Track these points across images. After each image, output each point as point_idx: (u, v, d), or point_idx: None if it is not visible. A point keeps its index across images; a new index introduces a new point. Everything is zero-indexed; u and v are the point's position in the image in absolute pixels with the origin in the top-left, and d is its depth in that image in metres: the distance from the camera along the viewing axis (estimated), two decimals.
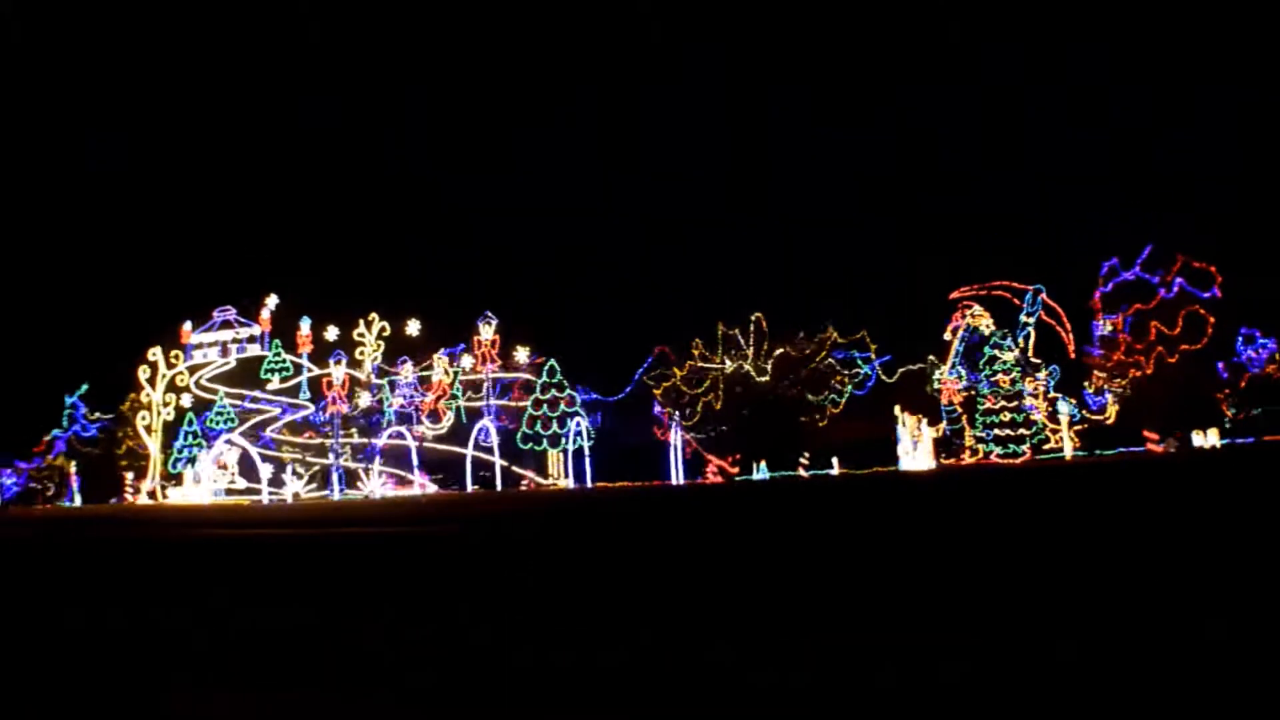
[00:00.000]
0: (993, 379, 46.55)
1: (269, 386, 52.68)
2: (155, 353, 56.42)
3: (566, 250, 64.83)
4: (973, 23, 66.25)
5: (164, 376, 56.09)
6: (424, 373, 48.92)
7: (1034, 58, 65.82)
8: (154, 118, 70.45)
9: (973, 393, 47.29)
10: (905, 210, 71.68)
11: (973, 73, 67.09)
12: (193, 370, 55.32)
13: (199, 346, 55.37)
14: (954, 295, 49.22)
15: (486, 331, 47.99)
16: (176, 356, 55.95)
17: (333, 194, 59.68)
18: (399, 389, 49.08)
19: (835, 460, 47.36)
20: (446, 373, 48.26)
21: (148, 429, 56.39)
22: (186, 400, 54.93)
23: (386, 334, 50.21)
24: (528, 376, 46.98)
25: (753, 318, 49.70)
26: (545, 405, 45.96)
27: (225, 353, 54.36)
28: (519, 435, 46.51)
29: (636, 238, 70.21)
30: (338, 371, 50.28)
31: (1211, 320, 46.01)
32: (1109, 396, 46.74)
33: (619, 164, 70.41)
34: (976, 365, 47.59)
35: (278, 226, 58.45)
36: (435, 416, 48.16)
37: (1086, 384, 47.16)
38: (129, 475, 59.72)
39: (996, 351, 46.65)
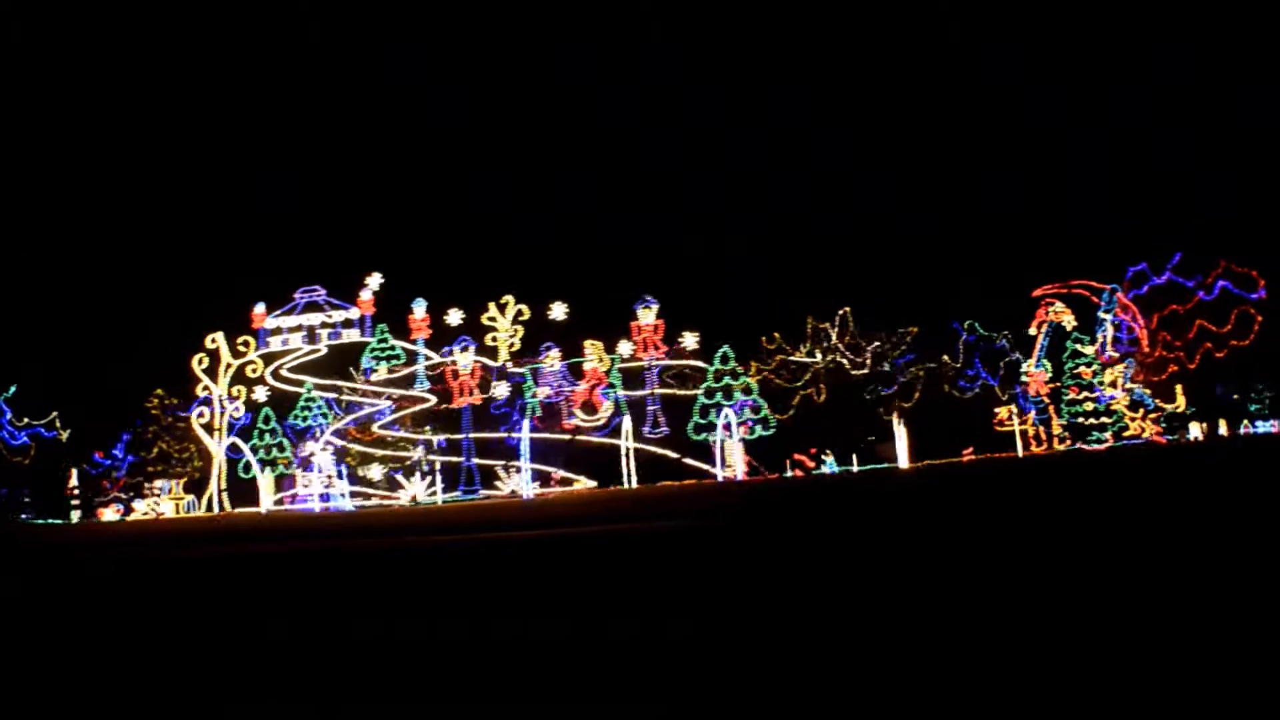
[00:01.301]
0: (1075, 371, 50.27)
1: (374, 377, 47.92)
2: (216, 339, 49.70)
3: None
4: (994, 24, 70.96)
5: (229, 367, 49.59)
6: (574, 360, 46.28)
7: (1035, 58, 71.29)
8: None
9: (1056, 384, 50.79)
10: (916, 209, 75.50)
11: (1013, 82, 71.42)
12: (268, 359, 49.30)
13: (276, 331, 49.34)
14: (1037, 292, 52.27)
15: (647, 316, 46.10)
16: (246, 344, 49.63)
17: (450, 174, 55.63)
18: (543, 378, 46.16)
19: (854, 456, 49.01)
20: (601, 359, 45.93)
21: (208, 427, 49.61)
22: (260, 393, 48.99)
23: (525, 318, 46.97)
24: (700, 364, 45.60)
25: (840, 312, 50.63)
26: (720, 394, 44.96)
27: (313, 338, 48.83)
28: (690, 425, 45.12)
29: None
30: (464, 359, 46.62)
31: (1259, 319, 51.75)
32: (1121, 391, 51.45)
33: None
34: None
35: (382, 207, 53.40)
36: (590, 408, 45.69)
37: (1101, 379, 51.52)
38: (157, 485, 52.42)
39: (1078, 346, 50.39)
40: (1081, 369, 50.05)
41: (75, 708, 5.77)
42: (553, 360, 45.67)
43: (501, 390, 45.79)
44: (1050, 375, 51.05)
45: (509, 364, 46.17)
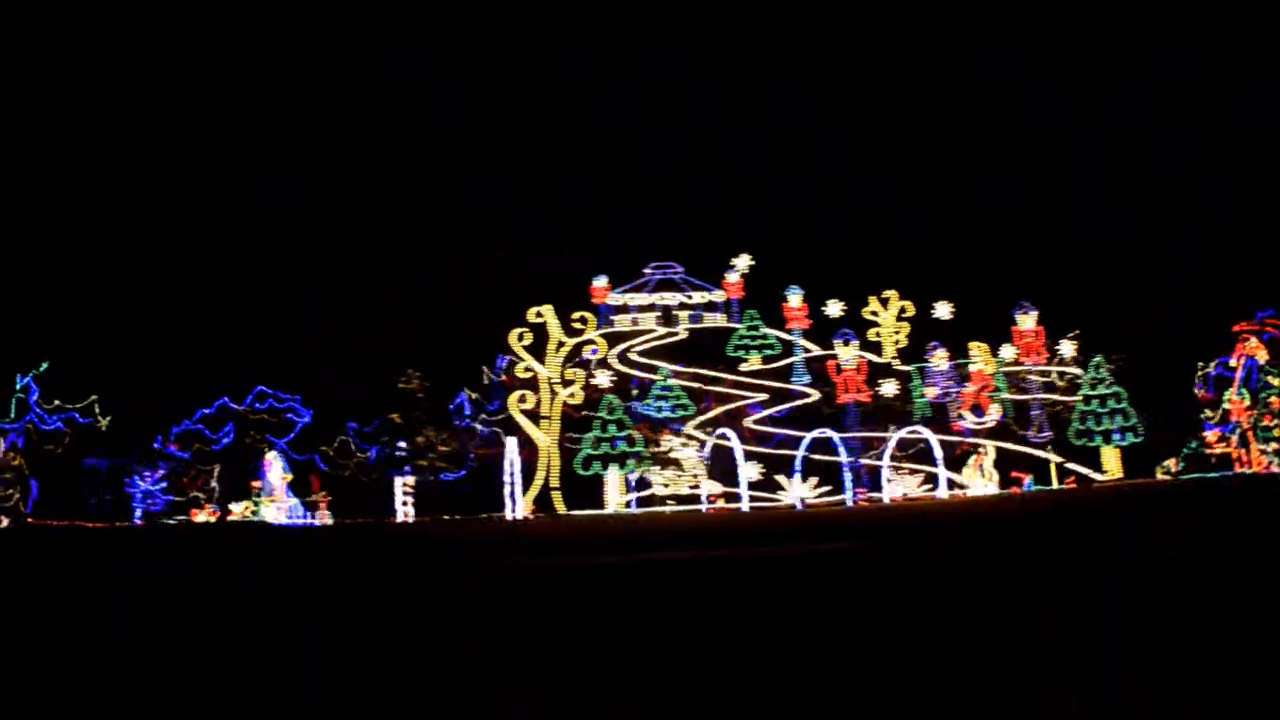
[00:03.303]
0: (1267, 401, 55.19)
1: (743, 367, 43.20)
2: (543, 312, 42.79)
3: None
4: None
5: (560, 345, 42.71)
6: (960, 361, 44.24)
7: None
8: None
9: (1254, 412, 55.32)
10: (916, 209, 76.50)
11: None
12: (611, 340, 43.04)
13: (622, 309, 43.27)
14: (1236, 329, 56.92)
15: (1026, 322, 45.03)
16: (583, 320, 43.07)
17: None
18: (932, 378, 43.76)
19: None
20: (987, 362, 44.24)
21: (533, 415, 42.40)
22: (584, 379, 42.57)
23: (909, 315, 44.29)
24: (1077, 371, 45.00)
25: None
26: (1096, 401, 44.69)
27: (669, 320, 43.24)
28: (1071, 431, 44.40)
29: None
30: (847, 354, 43.29)
31: None
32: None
33: None
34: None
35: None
36: (979, 409, 43.79)
37: (1207, 415, 57.07)
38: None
39: (1270, 379, 55.40)
40: (1273, 399, 54.25)
41: None
42: (939, 360, 43.55)
43: (889, 389, 43.06)
44: (1249, 403, 54.77)
45: (895, 361, 43.54)
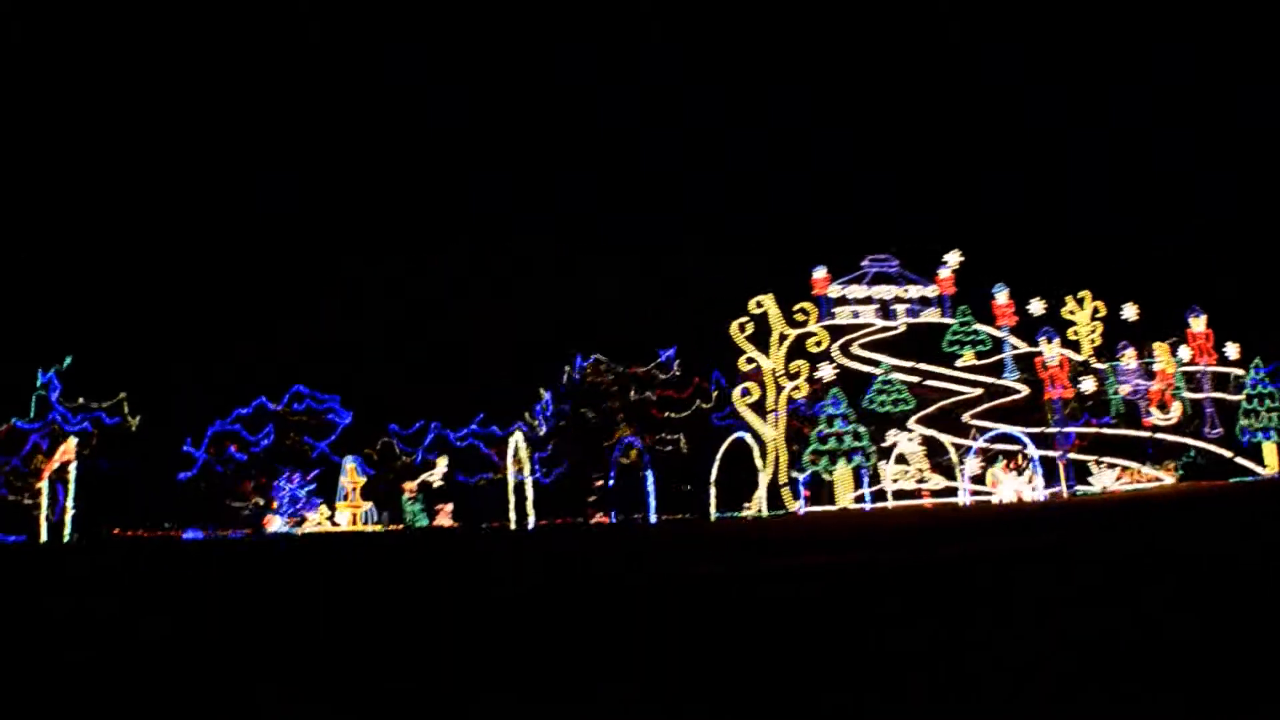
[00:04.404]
0: None
1: (958, 362, 42.60)
2: (764, 302, 40.78)
3: None
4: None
5: (783, 337, 40.82)
6: (1146, 360, 45.22)
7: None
8: None
9: None
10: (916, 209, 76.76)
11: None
12: (833, 332, 41.47)
13: (842, 301, 41.78)
14: None
15: (1197, 325, 46.52)
16: (804, 312, 41.31)
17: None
18: (1123, 375, 44.59)
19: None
20: (1168, 362, 45.46)
21: (758, 408, 40.34)
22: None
23: (1102, 315, 44.88)
24: (1240, 372, 46.81)
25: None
26: (1256, 399, 46.74)
27: (887, 313, 42.10)
28: (1237, 428, 46.20)
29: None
30: (1050, 351, 43.50)
31: None
32: None
33: None
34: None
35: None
36: (1164, 406, 44.95)
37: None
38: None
39: None
40: None
41: None
42: (1129, 359, 44.63)
43: (1088, 385, 43.74)
44: None
45: (1092, 359, 44.28)
